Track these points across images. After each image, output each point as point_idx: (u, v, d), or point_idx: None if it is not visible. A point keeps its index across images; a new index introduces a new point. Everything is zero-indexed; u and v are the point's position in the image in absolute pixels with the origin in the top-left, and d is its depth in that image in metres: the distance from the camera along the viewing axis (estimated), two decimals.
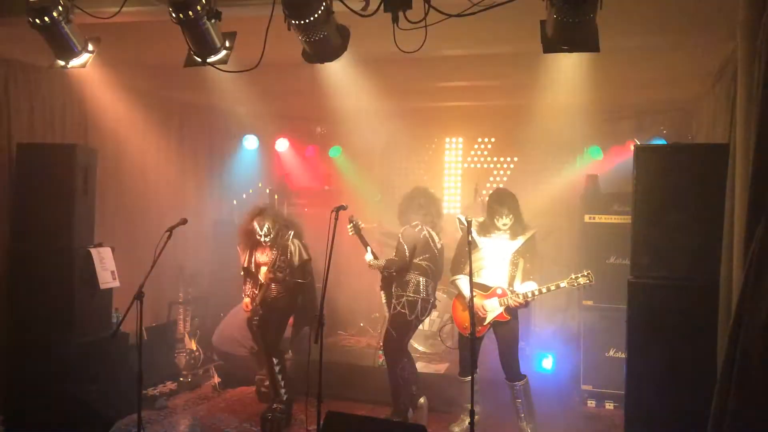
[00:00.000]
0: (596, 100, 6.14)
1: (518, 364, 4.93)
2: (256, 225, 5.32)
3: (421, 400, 5.22)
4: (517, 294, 4.81)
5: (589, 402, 5.90)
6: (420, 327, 5.48)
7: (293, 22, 3.28)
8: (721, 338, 3.16)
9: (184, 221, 4.37)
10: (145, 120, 6.65)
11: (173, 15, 3.34)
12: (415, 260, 5.13)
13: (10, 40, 4.84)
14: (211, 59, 3.66)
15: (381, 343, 5.65)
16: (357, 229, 5.27)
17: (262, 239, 5.33)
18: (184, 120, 7.46)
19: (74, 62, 3.93)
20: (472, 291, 4.41)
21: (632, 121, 7.12)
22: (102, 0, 3.74)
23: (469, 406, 4.04)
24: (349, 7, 3.23)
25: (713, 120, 5.19)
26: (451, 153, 8.35)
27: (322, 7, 3.25)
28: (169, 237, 4.13)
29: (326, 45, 3.52)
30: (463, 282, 4.94)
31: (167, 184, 7.08)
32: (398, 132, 7.86)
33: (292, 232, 5.39)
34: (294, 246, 5.33)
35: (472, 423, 3.98)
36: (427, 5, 3.15)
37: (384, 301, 5.36)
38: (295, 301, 5.44)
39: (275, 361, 5.37)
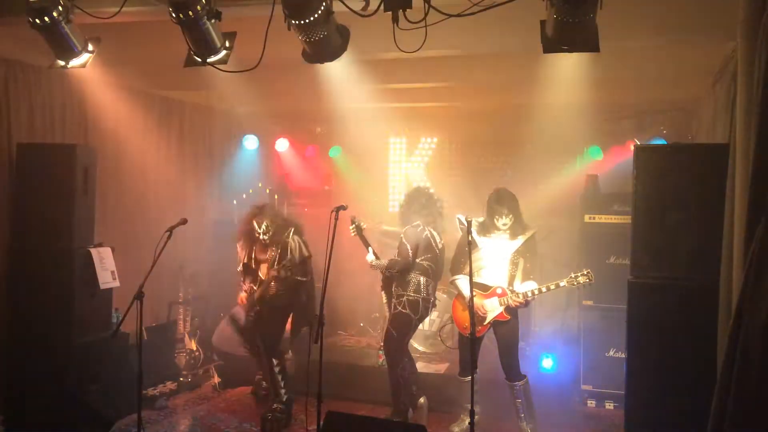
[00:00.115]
0: (596, 100, 6.13)
1: (518, 364, 4.94)
2: (255, 224, 5.34)
3: (421, 400, 5.22)
4: (517, 293, 4.80)
5: (589, 402, 5.90)
6: (420, 327, 5.48)
7: (293, 22, 3.28)
8: (721, 338, 3.15)
9: (184, 221, 4.36)
10: (145, 120, 6.65)
11: (173, 15, 3.35)
12: (417, 260, 5.14)
13: (10, 40, 4.85)
14: (211, 59, 3.66)
15: (381, 343, 5.66)
16: (359, 230, 5.30)
17: (261, 237, 5.34)
18: (184, 120, 7.44)
19: (74, 62, 3.94)
20: (472, 291, 4.41)
21: (632, 121, 7.10)
22: (102, 0, 3.74)
23: (469, 406, 4.05)
24: (349, 7, 3.24)
25: (713, 120, 5.18)
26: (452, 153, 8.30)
27: (322, 7, 3.26)
28: (169, 237, 4.12)
29: (326, 45, 3.53)
30: (462, 282, 4.94)
31: (167, 184, 7.07)
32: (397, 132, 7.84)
33: (293, 229, 5.39)
34: (294, 242, 5.33)
35: (472, 423, 3.99)
36: (427, 5, 3.15)
37: (385, 301, 5.38)
38: (294, 299, 5.43)
39: (275, 362, 5.37)
